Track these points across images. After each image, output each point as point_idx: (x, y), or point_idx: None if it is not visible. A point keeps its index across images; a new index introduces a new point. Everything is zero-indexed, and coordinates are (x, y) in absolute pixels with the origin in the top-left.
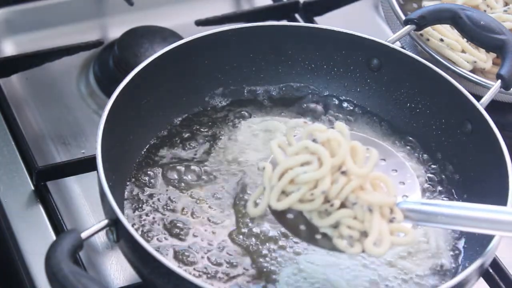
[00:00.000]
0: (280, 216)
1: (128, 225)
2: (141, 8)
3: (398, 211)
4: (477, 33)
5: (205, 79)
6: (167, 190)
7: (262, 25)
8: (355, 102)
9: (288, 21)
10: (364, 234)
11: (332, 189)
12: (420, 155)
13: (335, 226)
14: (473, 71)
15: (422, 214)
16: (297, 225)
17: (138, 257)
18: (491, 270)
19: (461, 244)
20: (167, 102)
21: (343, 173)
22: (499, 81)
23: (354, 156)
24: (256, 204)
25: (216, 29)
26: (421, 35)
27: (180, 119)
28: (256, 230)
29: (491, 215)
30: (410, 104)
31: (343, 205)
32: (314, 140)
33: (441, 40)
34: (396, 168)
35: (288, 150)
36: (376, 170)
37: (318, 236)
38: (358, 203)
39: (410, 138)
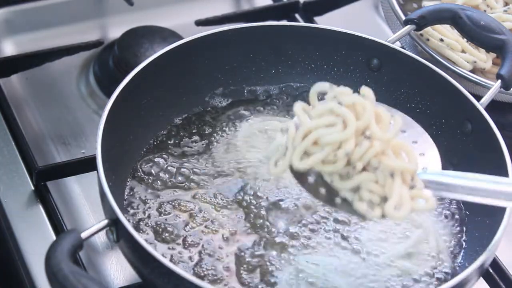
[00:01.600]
0: (301, 178)
1: (128, 225)
2: (141, 8)
3: (419, 180)
4: (477, 33)
5: (205, 79)
6: (167, 190)
7: (262, 25)
8: None
9: (288, 21)
10: (384, 200)
11: (355, 152)
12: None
13: (355, 190)
14: (473, 71)
15: (442, 185)
16: (317, 188)
17: (138, 257)
18: (491, 270)
19: (461, 244)
20: (167, 102)
21: (367, 137)
22: (499, 81)
23: (379, 122)
24: (277, 164)
25: (216, 29)
26: (421, 35)
27: (180, 119)
28: (255, 230)
29: None
30: (410, 104)
31: (364, 170)
32: (339, 103)
33: (441, 40)
34: (416, 140)
35: (312, 112)
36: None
37: (338, 200)
38: (380, 168)
39: None
